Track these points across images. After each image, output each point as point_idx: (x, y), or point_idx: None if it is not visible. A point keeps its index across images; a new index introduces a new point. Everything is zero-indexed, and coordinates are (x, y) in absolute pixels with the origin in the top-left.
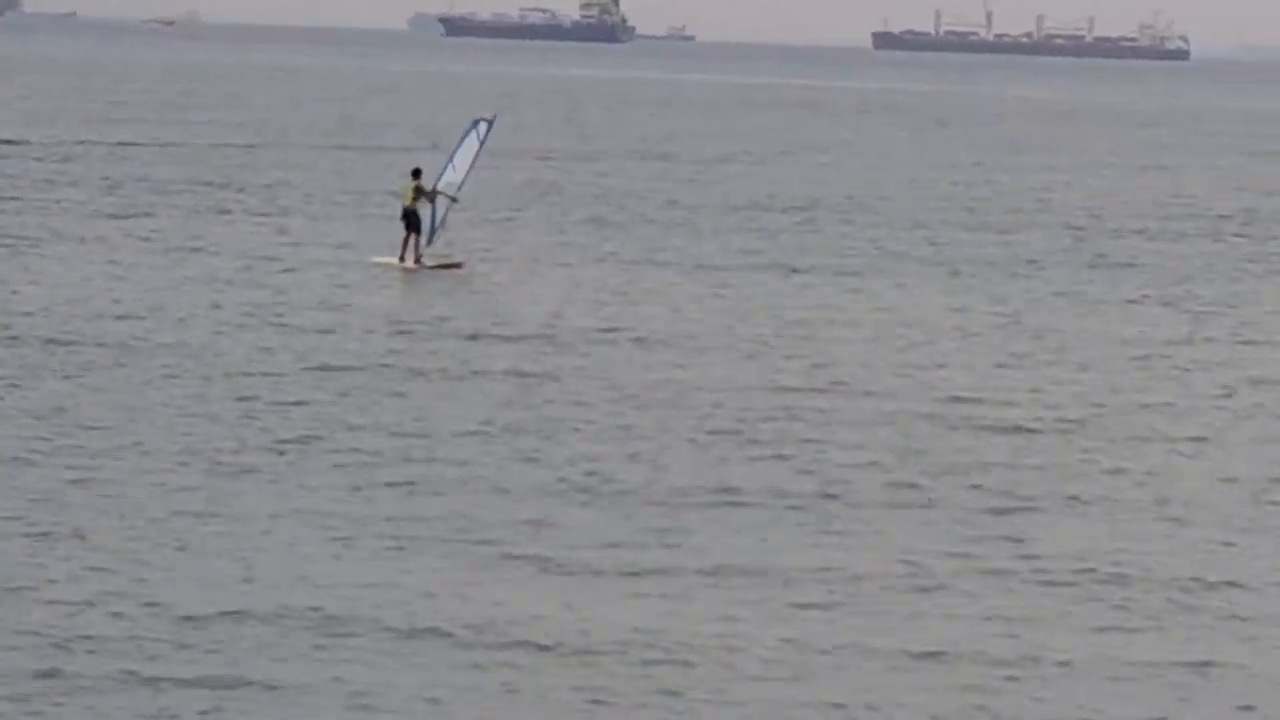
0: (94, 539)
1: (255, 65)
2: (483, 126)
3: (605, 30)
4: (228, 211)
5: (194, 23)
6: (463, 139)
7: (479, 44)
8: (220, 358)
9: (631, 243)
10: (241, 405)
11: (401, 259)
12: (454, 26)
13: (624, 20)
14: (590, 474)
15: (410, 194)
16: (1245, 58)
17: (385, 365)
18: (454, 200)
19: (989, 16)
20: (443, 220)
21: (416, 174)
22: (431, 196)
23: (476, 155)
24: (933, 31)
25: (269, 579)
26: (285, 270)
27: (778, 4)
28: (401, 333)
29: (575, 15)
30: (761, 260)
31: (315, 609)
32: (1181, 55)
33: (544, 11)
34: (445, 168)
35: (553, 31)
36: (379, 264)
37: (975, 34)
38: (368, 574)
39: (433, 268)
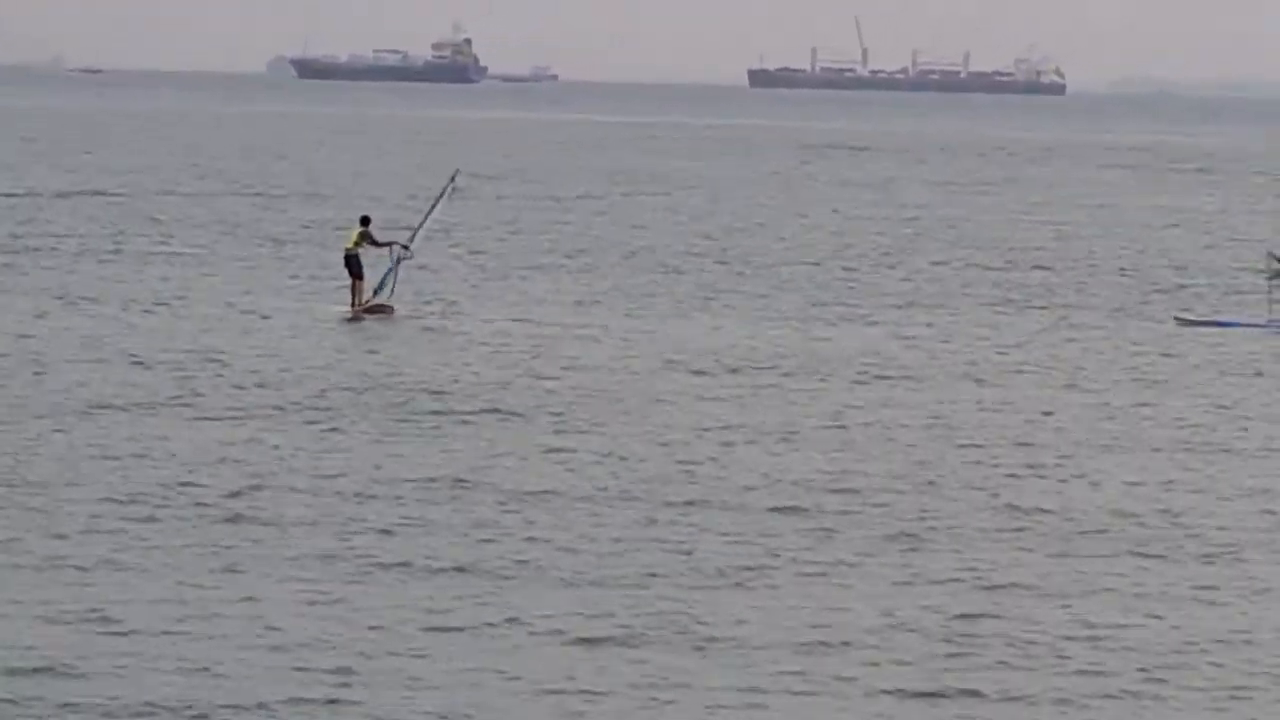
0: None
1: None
2: (449, 183)
3: (458, 70)
4: (144, 255)
5: (59, 68)
6: (440, 195)
7: (333, 86)
8: (150, 406)
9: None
10: (176, 453)
11: (353, 305)
12: (307, 69)
13: (476, 60)
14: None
15: (355, 239)
16: (1121, 92)
17: (322, 412)
18: (405, 248)
19: (865, 53)
20: (394, 271)
21: (365, 221)
22: (381, 245)
23: (434, 208)
24: (809, 68)
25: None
26: (220, 318)
27: (655, 43)
28: (335, 381)
29: (428, 55)
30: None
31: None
32: (1057, 90)
33: (397, 53)
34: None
35: (405, 72)
36: (333, 311)
37: (851, 70)
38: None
39: (361, 311)
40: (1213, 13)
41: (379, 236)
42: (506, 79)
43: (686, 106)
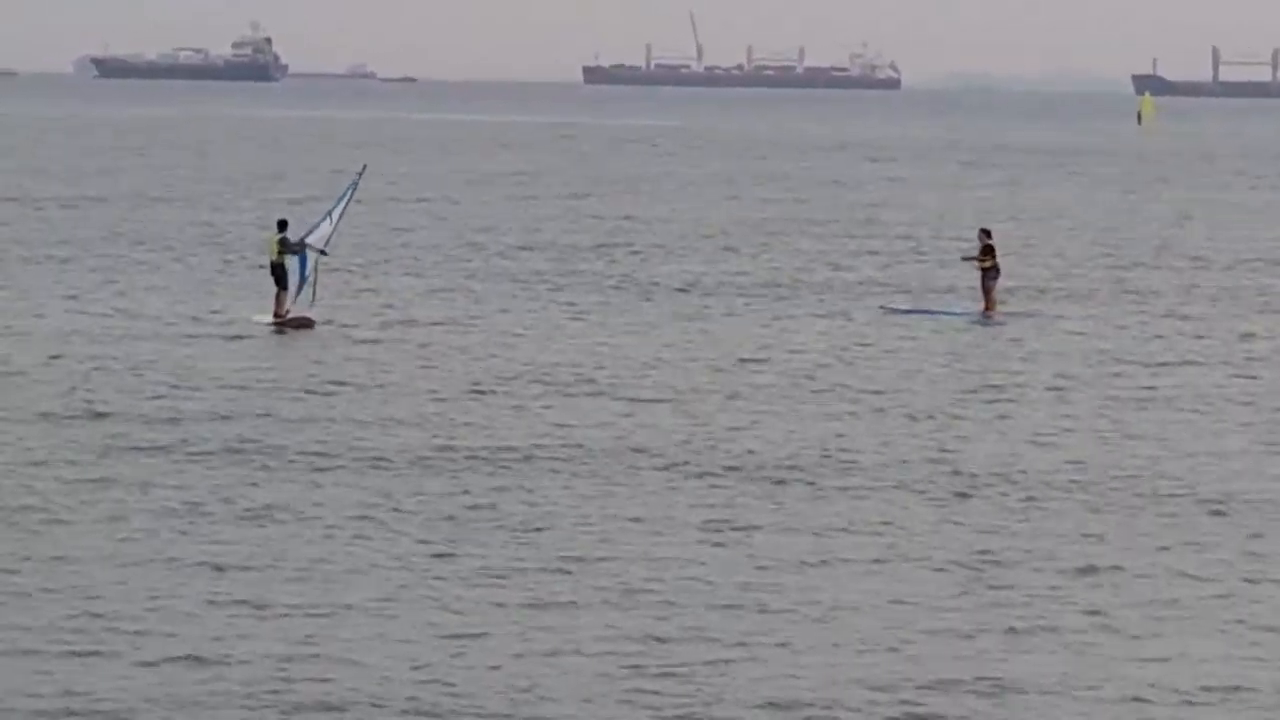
0: None
1: None
2: (354, 179)
3: (258, 69)
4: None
5: None
6: (344, 193)
7: (130, 85)
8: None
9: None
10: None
11: (276, 315)
12: (108, 68)
13: (277, 59)
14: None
15: (275, 247)
16: (955, 86)
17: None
18: (322, 253)
19: (699, 49)
20: (313, 273)
21: (282, 226)
22: (298, 249)
23: (345, 207)
24: (643, 65)
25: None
26: (126, 329)
27: (488, 42)
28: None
29: (228, 54)
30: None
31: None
32: (893, 84)
33: (198, 51)
34: (321, 220)
35: (206, 71)
36: (257, 322)
37: (686, 67)
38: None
39: (282, 324)
40: (1050, 6)
41: (293, 239)
42: (312, 77)
43: (516, 105)
